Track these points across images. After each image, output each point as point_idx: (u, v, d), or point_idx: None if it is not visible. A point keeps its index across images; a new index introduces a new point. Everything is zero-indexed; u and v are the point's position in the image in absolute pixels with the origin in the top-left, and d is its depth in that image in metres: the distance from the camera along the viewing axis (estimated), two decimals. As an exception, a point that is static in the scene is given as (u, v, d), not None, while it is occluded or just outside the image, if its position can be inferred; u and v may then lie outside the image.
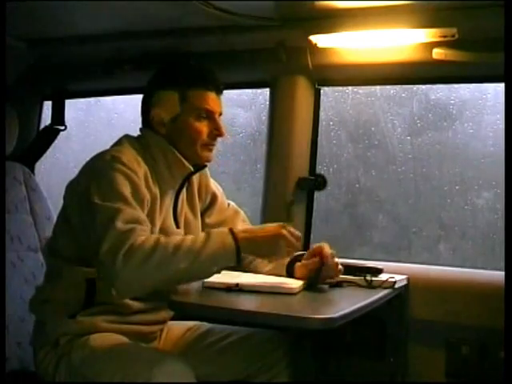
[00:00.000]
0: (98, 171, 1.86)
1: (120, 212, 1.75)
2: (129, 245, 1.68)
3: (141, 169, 1.91)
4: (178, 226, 2.03)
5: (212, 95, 2.00)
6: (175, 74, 2.02)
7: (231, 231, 1.76)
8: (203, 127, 1.98)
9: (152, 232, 1.85)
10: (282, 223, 1.84)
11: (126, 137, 2.03)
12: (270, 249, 1.80)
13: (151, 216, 1.89)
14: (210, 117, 1.99)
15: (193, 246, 1.71)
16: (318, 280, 1.97)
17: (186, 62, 2.08)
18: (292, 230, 1.83)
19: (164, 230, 1.93)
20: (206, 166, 2.09)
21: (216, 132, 2.00)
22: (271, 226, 1.84)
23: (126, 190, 1.81)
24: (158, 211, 1.94)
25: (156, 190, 1.94)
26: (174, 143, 1.99)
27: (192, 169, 2.01)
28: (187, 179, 2.06)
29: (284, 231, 1.80)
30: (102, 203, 1.77)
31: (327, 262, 1.96)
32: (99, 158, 1.92)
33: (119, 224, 1.72)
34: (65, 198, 1.98)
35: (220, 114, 2.02)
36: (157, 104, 2.00)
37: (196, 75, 2.00)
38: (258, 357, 2.04)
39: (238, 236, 1.75)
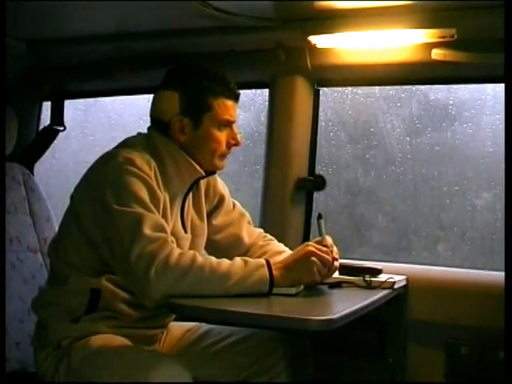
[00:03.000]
0: (112, 174, 1.84)
1: (142, 217, 1.74)
2: (163, 257, 1.69)
3: (152, 172, 1.89)
4: (185, 231, 2.02)
5: (233, 104, 1.98)
6: (201, 82, 1.95)
7: (268, 264, 1.78)
8: (223, 137, 1.97)
9: None
10: (306, 242, 1.87)
11: (135, 136, 2.01)
12: (305, 270, 1.80)
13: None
14: (228, 126, 1.98)
15: (229, 272, 1.73)
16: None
17: (208, 67, 2.01)
18: (317, 245, 1.84)
19: (173, 235, 1.88)
20: (215, 172, 2.08)
21: (233, 141, 1.98)
22: (298, 249, 1.86)
23: (144, 194, 1.80)
24: (169, 216, 1.93)
25: (166, 195, 1.92)
26: (189, 150, 1.96)
27: (203, 173, 1.99)
28: (196, 183, 2.04)
29: (311, 247, 1.82)
30: (122, 208, 1.76)
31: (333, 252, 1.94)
32: (111, 159, 1.89)
33: (146, 230, 1.72)
34: (73, 200, 1.96)
35: (234, 121, 2.00)
36: (178, 110, 1.95)
37: (222, 84, 1.96)
38: (258, 357, 2.04)
39: (274, 270, 1.77)
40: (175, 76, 2.01)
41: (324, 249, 1.85)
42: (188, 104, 1.95)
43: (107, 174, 1.85)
